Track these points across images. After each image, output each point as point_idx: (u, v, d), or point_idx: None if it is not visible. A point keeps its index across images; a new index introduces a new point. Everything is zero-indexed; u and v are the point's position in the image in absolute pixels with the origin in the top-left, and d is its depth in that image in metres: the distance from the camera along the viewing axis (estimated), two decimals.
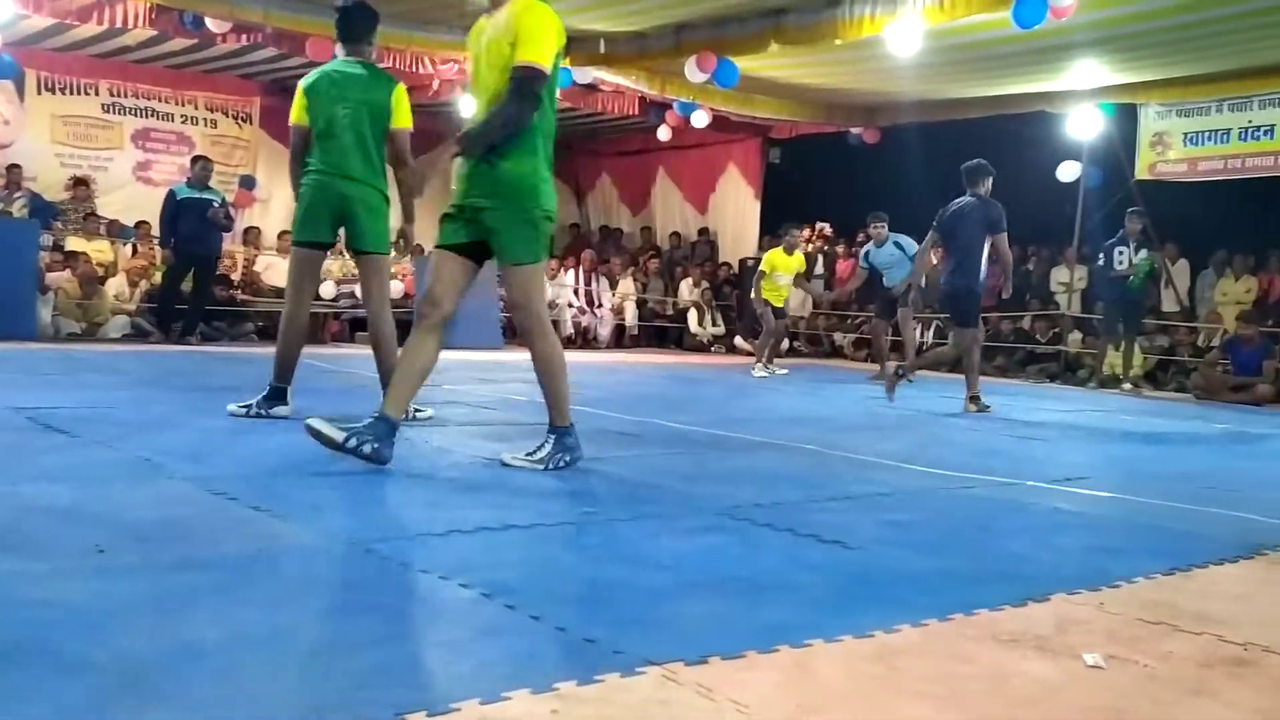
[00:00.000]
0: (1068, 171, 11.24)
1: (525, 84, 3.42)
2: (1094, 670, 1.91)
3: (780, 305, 10.07)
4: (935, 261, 7.34)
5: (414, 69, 10.56)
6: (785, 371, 9.88)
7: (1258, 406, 9.13)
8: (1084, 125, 11.04)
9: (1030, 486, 3.97)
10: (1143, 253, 10.10)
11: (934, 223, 7.20)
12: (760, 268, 10.00)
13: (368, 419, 3.46)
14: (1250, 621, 2.27)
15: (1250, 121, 10.31)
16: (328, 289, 11.21)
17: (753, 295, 10.14)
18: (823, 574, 2.49)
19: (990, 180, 7.01)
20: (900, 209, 9.69)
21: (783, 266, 9.85)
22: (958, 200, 7.08)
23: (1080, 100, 10.98)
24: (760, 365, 9.78)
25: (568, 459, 3.68)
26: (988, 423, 6.46)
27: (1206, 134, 10.62)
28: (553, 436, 3.71)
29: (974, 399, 6.96)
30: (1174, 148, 10.88)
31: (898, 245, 9.57)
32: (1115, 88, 10.77)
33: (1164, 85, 10.57)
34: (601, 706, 1.59)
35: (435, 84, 11.22)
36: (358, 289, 11.25)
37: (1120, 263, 10.03)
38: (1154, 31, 8.79)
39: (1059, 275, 12.25)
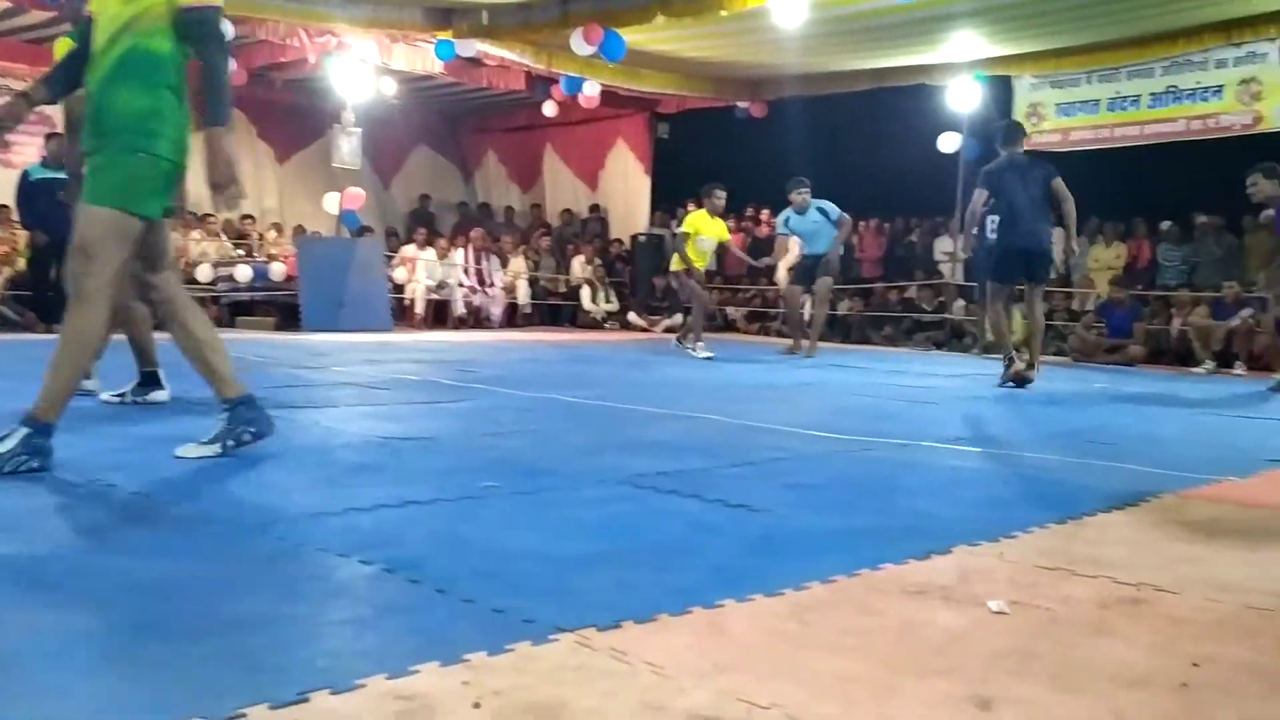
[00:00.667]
0: (948, 143, 11.51)
1: (212, 25, 3.08)
2: (999, 616, 1.94)
3: (702, 270, 9.44)
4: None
5: (288, 41, 10.21)
6: (710, 355, 8.81)
7: (1130, 366, 9.54)
8: (963, 97, 11.32)
9: (926, 447, 4.04)
10: None
11: (983, 181, 7.00)
12: (683, 229, 9.26)
13: (220, 415, 3.27)
14: (1141, 564, 2.34)
15: (1118, 92, 10.71)
16: (204, 272, 10.81)
17: (673, 267, 9.31)
18: (731, 537, 2.48)
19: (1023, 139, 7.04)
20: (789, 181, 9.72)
21: (707, 230, 9.16)
22: (1001, 159, 6.98)
23: (959, 73, 11.25)
24: (699, 344, 8.92)
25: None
26: (879, 389, 6.59)
27: (1078, 105, 11.00)
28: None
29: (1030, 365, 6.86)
30: (1048, 119, 11.25)
31: (821, 211, 9.26)
32: (992, 60, 11.08)
33: (1037, 57, 10.91)
34: (515, 675, 1.54)
35: (312, 58, 10.85)
36: (236, 271, 10.95)
37: (993, 232, 10.25)
38: (1027, 3, 9.06)
39: (942, 245, 12.58)
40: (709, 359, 8.59)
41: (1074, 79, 10.98)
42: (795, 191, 9.33)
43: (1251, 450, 4.25)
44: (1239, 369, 9.22)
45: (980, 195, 7.00)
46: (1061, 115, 11.15)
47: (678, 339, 9.47)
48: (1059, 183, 6.88)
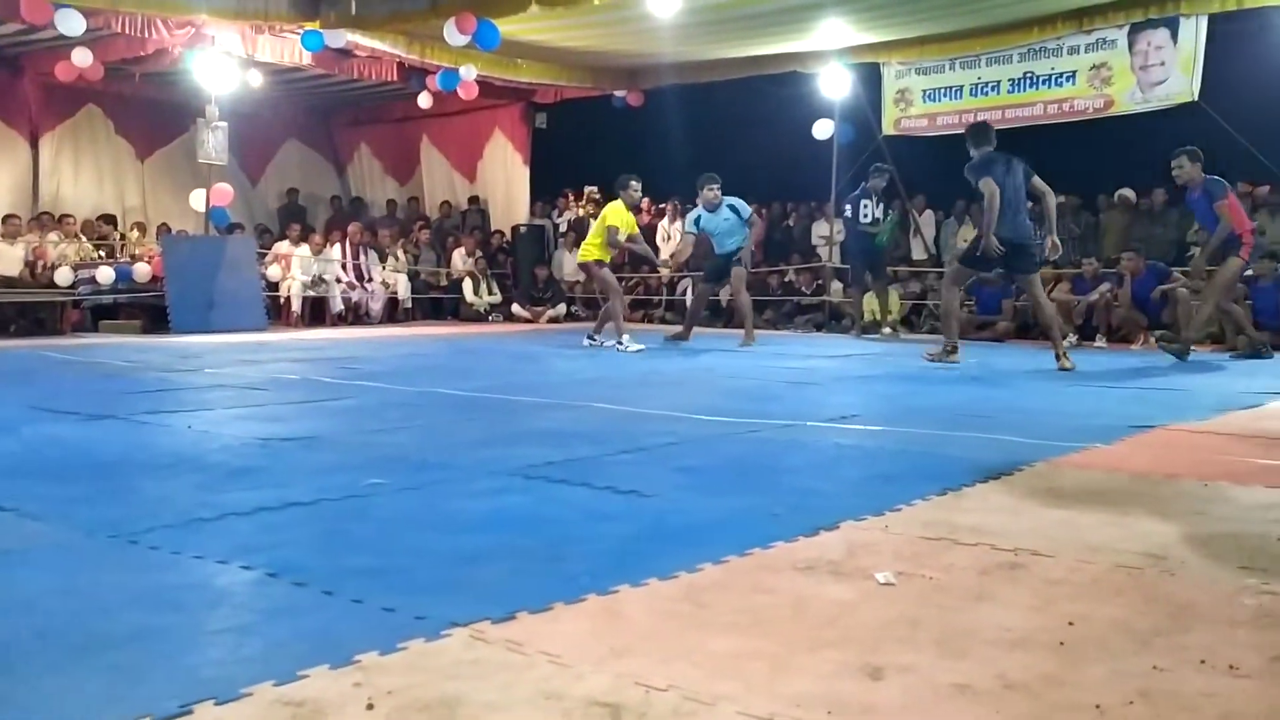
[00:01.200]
0: (822, 130, 11.73)
1: None
2: (886, 587, 1.99)
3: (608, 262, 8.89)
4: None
5: (146, 33, 9.77)
6: (614, 344, 8.45)
7: (999, 342, 9.89)
8: (834, 84, 11.55)
9: (810, 426, 4.12)
10: (883, 208, 10.59)
11: (984, 174, 6.81)
12: (610, 224, 8.54)
13: None
14: (1017, 530, 2.43)
15: (979, 78, 11.08)
16: (64, 275, 10.30)
17: (582, 257, 8.84)
18: (623, 523, 2.48)
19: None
20: (668, 170, 9.73)
21: (627, 225, 8.61)
22: (985, 154, 6.93)
23: (829, 60, 11.47)
24: (625, 337, 8.33)
25: None
26: (763, 371, 6.68)
27: (942, 90, 11.34)
28: None
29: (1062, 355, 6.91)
30: (915, 104, 11.56)
31: (733, 209, 8.90)
32: (860, 47, 11.33)
33: (903, 45, 11.21)
34: (408, 674, 1.51)
35: (175, 50, 10.41)
36: (98, 274, 10.46)
37: (865, 216, 10.47)
38: None
39: (819, 229, 12.82)
40: (642, 349, 8.19)
41: (938, 65, 11.31)
42: (706, 188, 8.95)
43: (1114, 418, 4.45)
44: (1099, 341, 9.65)
45: (992, 188, 6.79)
46: (928, 101, 11.47)
47: (590, 335, 8.87)
48: (1038, 178, 6.97)
